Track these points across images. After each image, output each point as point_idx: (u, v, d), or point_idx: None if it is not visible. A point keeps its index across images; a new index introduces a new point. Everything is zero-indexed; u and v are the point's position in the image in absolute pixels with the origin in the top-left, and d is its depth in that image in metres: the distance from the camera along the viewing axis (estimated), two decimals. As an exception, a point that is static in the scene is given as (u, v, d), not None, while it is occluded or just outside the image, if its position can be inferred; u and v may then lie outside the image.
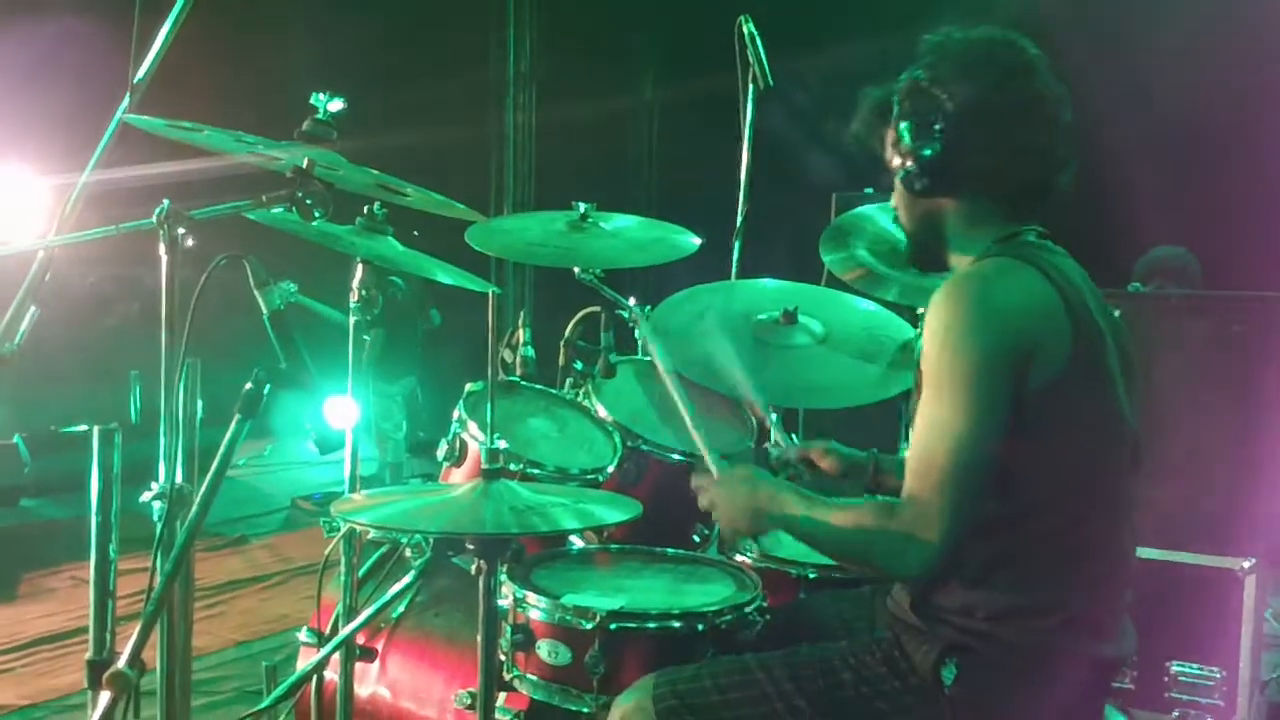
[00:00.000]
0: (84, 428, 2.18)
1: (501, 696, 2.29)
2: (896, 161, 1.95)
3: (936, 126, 1.87)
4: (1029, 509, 1.81)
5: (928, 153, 1.88)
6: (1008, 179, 1.91)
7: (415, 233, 2.75)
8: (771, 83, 3.38)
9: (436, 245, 2.73)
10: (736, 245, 3.57)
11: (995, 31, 1.93)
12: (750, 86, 3.42)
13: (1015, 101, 1.87)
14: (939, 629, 1.85)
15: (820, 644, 1.99)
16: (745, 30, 3.39)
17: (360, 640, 2.63)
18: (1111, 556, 1.89)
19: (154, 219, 1.92)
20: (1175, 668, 3.25)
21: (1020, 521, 1.81)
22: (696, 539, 2.72)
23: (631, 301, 3.04)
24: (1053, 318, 1.79)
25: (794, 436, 2.68)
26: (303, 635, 2.75)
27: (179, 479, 2.00)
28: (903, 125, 1.92)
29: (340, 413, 2.55)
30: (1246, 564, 3.19)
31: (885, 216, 3.01)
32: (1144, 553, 3.21)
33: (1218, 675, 3.21)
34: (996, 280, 1.84)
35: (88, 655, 2.04)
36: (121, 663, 1.62)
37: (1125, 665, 1.94)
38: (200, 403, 2.07)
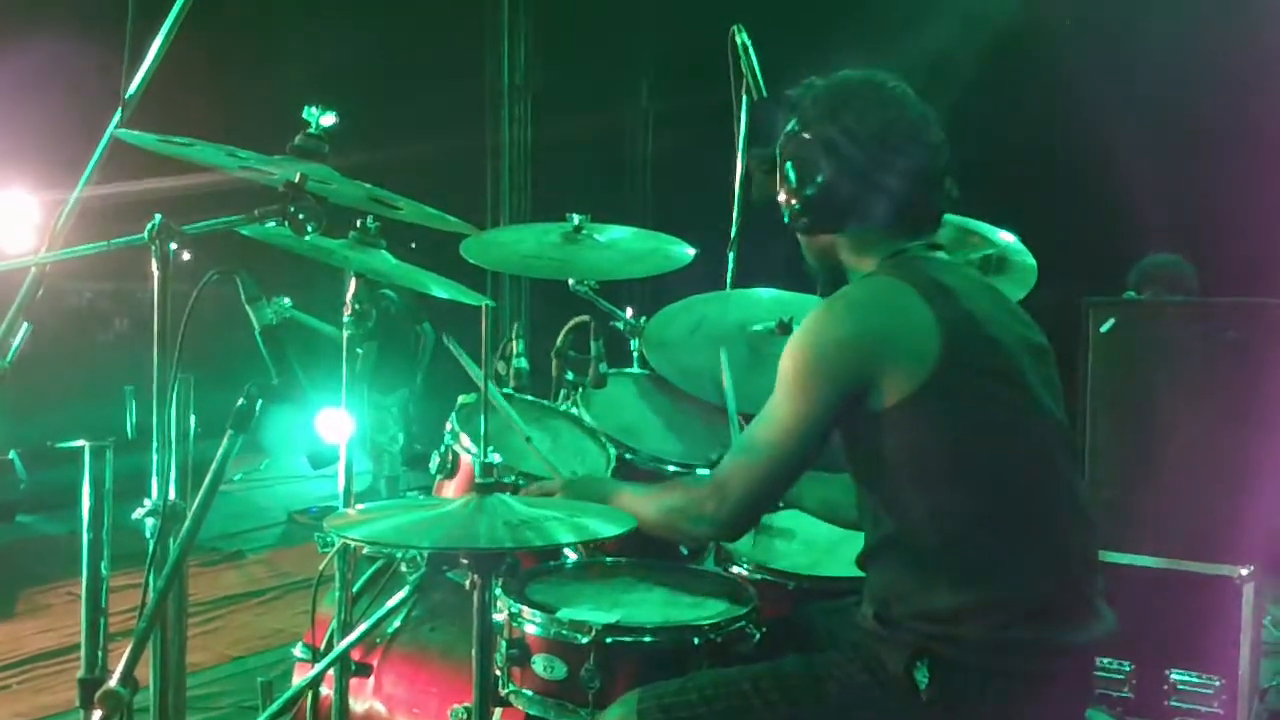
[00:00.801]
0: (80, 443, 2.17)
1: (497, 712, 2.29)
2: (782, 206, 2.09)
3: (809, 168, 2.01)
4: (955, 508, 1.86)
5: (808, 193, 2.02)
6: (884, 204, 2.01)
7: (412, 245, 2.75)
8: (765, 93, 3.38)
9: (433, 257, 2.73)
10: (731, 255, 3.56)
11: (854, 73, 2.06)
12: (744, 97, 3.42)
13: (875, 133, 1.98)
14: (904, 636, 1.88)
15: (806, 655, 2.00)
16: (739, 41, 3.39)
17: (355, 655, 2.62)
18: (1056, 543, 1.92)
19: (145, 235, 1.92)
20: (1174, 676, 3.24)
21: (950, 522, 1.86)
22: (685, 550, 2.71)
23: (628, 312, 3.04)
24: (914, 331, 1.88)
25: None
26: (298, 651, 2.74)
27: (172, 495, 1.99)
28: (783, 172, 2.07)
29: (333, 427, 2.55)
30: (1245, 571, 3.18)
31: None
32: (1142, 560, 3.25)
33: (1217, 683, 3.20)
34: (860, 298, 1.97)
35: (79, 674, 2.03)
36: (114, 681, 1.61)
37: (1101, 651, 1.96)
38: (194, 417, 2.06)
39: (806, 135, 2.02)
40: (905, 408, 1.85)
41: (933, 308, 1.89)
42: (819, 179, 2.00)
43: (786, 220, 2.10)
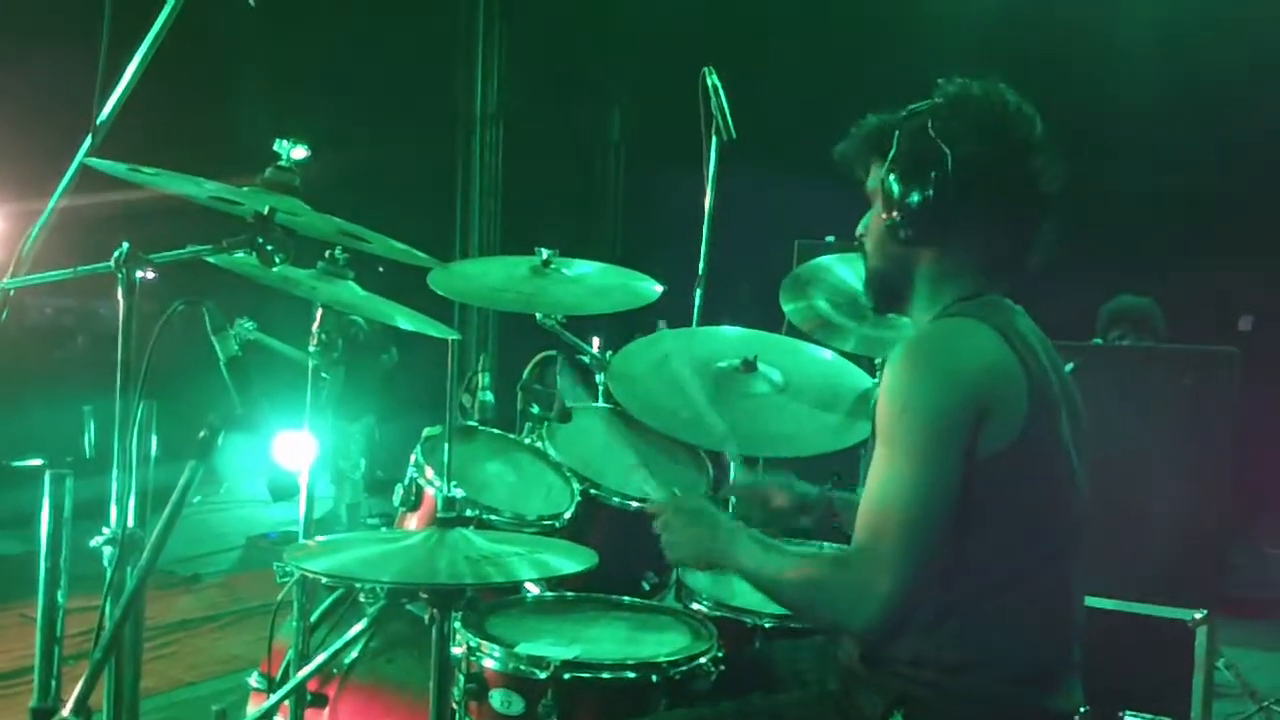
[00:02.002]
0: (37, 462, 2.15)
1: (454, 746, 2.27)
2: (884, 202, 1.91)
3: (933, 175, 1.82)
4: (983, 562, 1.81)
5: (917, 199, 1.84)
6: (989, 244, 1.89)
7: (380, 269, 2.74)
8: (734, 134, 3.40)
9: (402, 282, 2.72)
10: (698, 292, 3.58)
11: (1012, 97, 1.88)
12: (714, 138, 3.43)
13: (1015, 173, 1.85)
14: (888, 680, 1.85)
15: (773, 695, 2.00)
16: (709, 83, 3.41)
17: (311, 686, 2.60)
18: (1060, 611, 1.90)
19: (112, 263, 1.90)
20: (1128, 717, 3.27)
21: (973, 574, 1.81)
22: (646, 586, 2.71)
23: (595, 345, 3.05)
24: (1009, 381, 1.77)
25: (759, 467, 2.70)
26: (253, 680, 2.72)
27: (130, 522, 1.97)
28: (899, 166, 1.87)
29: (294, 454, 2.54)
30: (1198, 615, 3.22)
31: (844, 267, 3.03)
32: (1097, 603, 3.26)
33: (1170, 724, 3.24)
34: (954, 340, 1.82)
35: (32, 702, 2.01)
36: (66, 710, 1.60)
37: (1072, 718, 1.94)
38: (155, 438, 2.04)
39: (941, 142, 1.82)
40: (988, 464, 1.74)
41: (1021, 362, 1.79)
42: (936, 190, 1.82)
43: (888, 224, 1.89)
